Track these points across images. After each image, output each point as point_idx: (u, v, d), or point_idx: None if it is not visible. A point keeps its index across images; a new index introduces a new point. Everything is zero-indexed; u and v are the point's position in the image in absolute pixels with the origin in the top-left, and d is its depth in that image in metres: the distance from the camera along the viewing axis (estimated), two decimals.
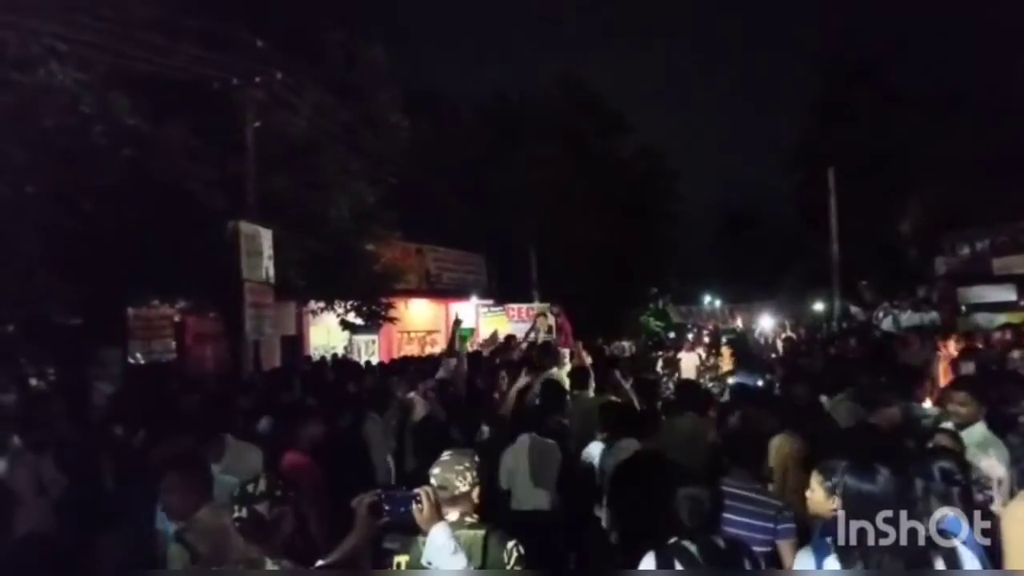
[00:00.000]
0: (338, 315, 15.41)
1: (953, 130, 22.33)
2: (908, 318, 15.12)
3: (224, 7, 10.96)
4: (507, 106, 27.55)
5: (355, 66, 14.18)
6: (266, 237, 11.21)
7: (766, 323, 19.65)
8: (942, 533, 3.10)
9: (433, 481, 3.08)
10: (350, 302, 15.21)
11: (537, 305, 17.99)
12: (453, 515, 3.03)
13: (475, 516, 3.12)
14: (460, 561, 2.70)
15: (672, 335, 24.61)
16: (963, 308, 16.46)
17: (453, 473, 3.11)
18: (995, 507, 3.64)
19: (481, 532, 3.00)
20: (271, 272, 11.34)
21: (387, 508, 2.81)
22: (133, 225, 9.74)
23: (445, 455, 3.24)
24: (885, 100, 26.00)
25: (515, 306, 17.22)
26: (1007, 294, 16.32)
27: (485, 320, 17.18)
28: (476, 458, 3.23)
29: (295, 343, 15.90)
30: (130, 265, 10.16)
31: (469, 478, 3.12)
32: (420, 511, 2.72)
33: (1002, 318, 13.91)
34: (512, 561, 2.93)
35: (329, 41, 13.78)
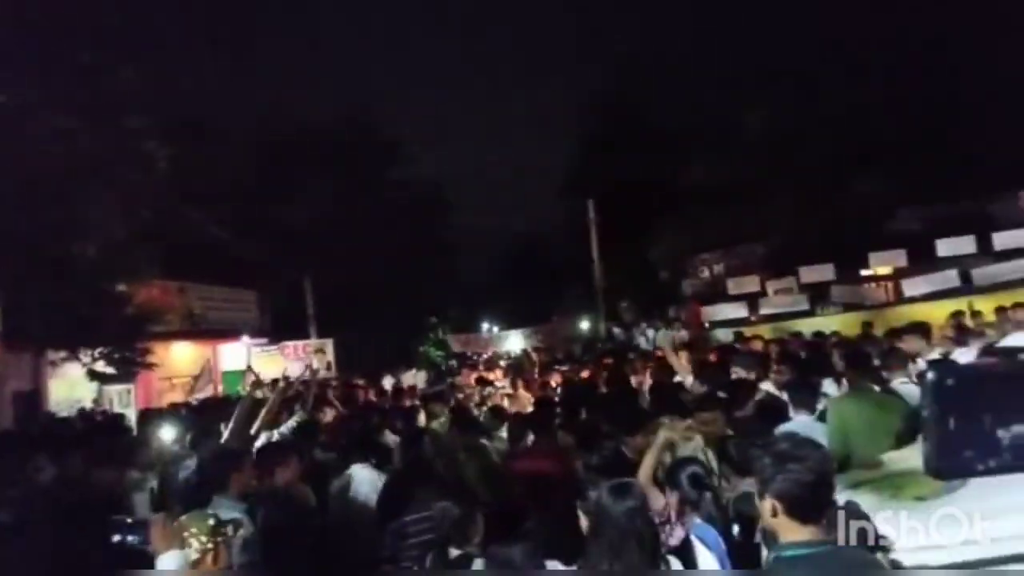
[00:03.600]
0: (84, 365, 13.79)
1: (695, 163, 25.16)
2: (662, 336, 16.65)
3: None
4: (282, 137, 26.56)
5: (102, 88, 12.91)
6: None
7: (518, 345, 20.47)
8: (699, 540, 3.42)
9: None
10: (99, 349, 13.69)
11: (314, 341, 17.43)
12: None
13: None
14: None
15: (454, 364, 24.87)
16: (707, 325, 18.40)
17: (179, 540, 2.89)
18: None
19: None
20: None
21: (116, 539, 2.81)
22: None
23: (183, 517, 3.00)
24: (639, 135, 28.71)
25: (291, 343, 16.52)
26: (740, 311, 18.50)
27: (259, 360, 16.27)
28: (211, 522, 2.98)
29: (32, 398, 13.97)
30: None
31: (196, 544, 2.87)
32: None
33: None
34: None
35: (71, 62, 12.45)
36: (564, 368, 12.90)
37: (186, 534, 2.87)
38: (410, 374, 17.18)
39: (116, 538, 2.84)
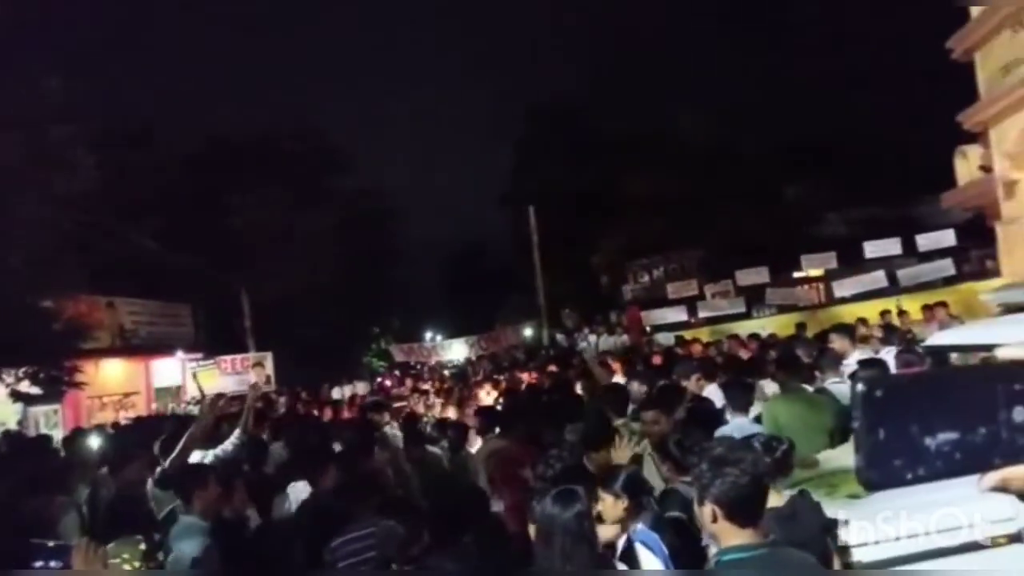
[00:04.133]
0: (7, 385, 13.16)
1: (632, 170, 25.58)
2: (604, 341, 16.80)
3: None
4: (221, 146, 25.94)
5: (24, 98, 12.38)
6: None
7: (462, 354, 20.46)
8: (643, 544, 3.44)
9: None
10: (23, 368, 13.07)
11: (253, 355, 16.98)
12: None
13: None
14: None
15: (397, 374, 24.65)
16: (648, 329, 18.62)
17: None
18: None
19: None
20: None
21: (37, 565, 2.65)
22: None
23: (112, 544, 2.91)
24: (577, 143, 29.03)
25: (228, 358, 15.99)
26: (680, 315, 18.79)
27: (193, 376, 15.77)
28: (142, 546, 2.94)
29: None
30: None
31: (128, 569, 2.82)
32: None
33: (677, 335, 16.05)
34: None
35: None
36: (503, 377, 12.96)
37: (117, 560, 2.77)
38: (348, 387, 16.94)
39: (38, 563, 2.71)
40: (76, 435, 9.64)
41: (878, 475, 0.81)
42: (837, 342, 7.60)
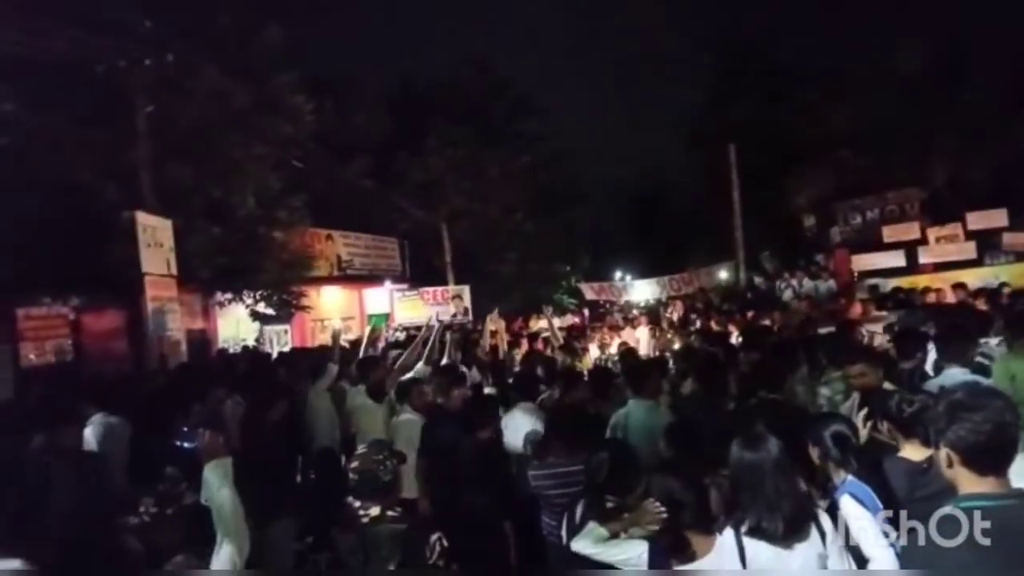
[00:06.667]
0: (247, 306, 14.93)
1: (838, 105, 23.53)
2: (807, 286, 15.90)
3: None
4: (412, 90, 27.18)
5: (249, 47, 13.57)
6: (166, 227, 10.74)
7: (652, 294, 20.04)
8: (853, 496, 3.30)
9: (352, 475, 3.12)
10: (259, 292, 14.76)
11: (452, 287, 17.92)
12: (375, 510, 3.04)
13: (398, 510, 3.11)
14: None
15: (586, 311, 24.96)
16: (857, 275, 17.35)
17: (374, 464, 3.12)
18: None
19: (402, 526, 3.01)
20: (173, 264, 10.90)
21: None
22: (18, 220, 9.18)
23: (362, 447, 3.26)
24: (773, 77, 27.11)
25: (430, 289, 17.05)
26: (897, 260, 17.29)
27: (400, 304, 16.97)
28: (385, 452, 3.24)
29: (203, 337, 15.31)
30: (17, 262, 9.57)
31: (390, 467, 3.12)
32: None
33: (893, 283, 14.81)
34: (435, 555, 2.94)
35: (220, 22, 13.15)
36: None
37: (378, 457, 3.15)
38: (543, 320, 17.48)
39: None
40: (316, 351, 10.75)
41: None
42: None
